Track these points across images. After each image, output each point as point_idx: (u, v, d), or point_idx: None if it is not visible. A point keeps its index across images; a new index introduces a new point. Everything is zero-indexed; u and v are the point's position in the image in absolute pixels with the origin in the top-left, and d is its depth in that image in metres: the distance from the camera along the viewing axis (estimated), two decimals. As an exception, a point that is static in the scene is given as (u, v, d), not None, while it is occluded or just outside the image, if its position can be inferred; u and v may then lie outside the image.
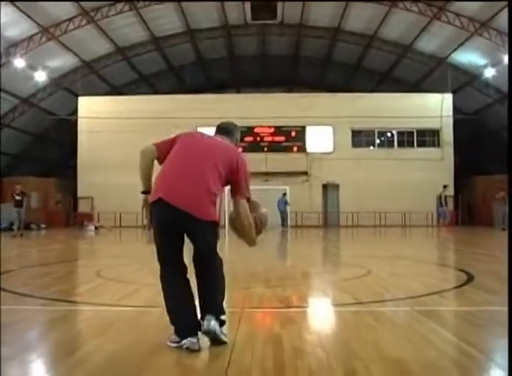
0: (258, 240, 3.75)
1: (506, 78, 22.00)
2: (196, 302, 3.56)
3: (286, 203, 26.25)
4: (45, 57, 26.37)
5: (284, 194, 26.47)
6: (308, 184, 29.08)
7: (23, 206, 18.87)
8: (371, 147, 30.20)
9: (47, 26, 24.41)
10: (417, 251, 13.20)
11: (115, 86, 33.27)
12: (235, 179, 3.60)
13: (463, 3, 23.13)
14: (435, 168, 28.43)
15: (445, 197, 20.75)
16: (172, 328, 3.48)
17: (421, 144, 29.90)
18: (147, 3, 24.97)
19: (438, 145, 29.72)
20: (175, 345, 3.42)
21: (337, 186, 29.35)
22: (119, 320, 4.43)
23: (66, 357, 3.27)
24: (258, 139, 29.13)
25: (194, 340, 3.35)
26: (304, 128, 29.44)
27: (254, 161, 23.51)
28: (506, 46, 22.28)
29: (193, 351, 3.32)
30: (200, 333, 3.41)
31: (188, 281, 3.54)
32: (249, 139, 28.02)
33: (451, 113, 29.52)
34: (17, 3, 21.58)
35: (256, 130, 28.97)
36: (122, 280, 6.95)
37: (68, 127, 30.38)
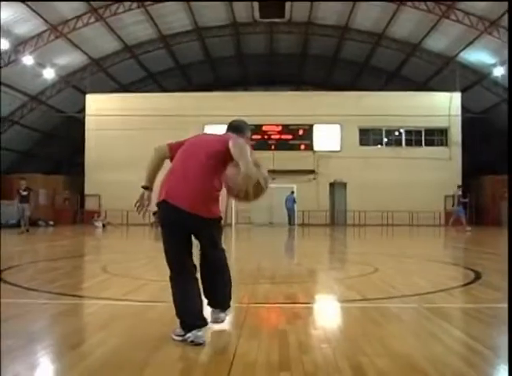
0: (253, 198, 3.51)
1: (514, 77, 21.85)
2: (203, 297, 3.58)
3: (294, 200, 26.24)
4: (54, 55, 26.45)
5: (292, 192, 26.44)
6: (316, 182, 28.99)
7: (29, 202, 18.23)
8: (379, 146, 30.03)
9: (55, 23, 24.45)
10: (424, 249, 13.13)
11: (123, 84, 33.33)
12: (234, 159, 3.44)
13: (472, 2, 22.98)
14: (443, 168, 28.26)
15: (458, 196, 20.70)
16: (178, 321, 3.49)
17: (429, 143, 29.73)
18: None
19: (446, 144, 29.54)
20: (180, 338, 3.42)
21: (344, 185, 29.24)
22: (124, 315, 4.43)
23: (70, 350, 3.27)
24: (266, 137, 29.06)
25: (199, 333, 3.37)
26: (311, 126, 29.33)
27: (262, 159, 23.33)
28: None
29: (198, 344, 3.32)
30: (204, 328, 3.42)
31: (196, 280, 3.56)
32: (256, 137, 27.99)
33: (459, 112, 29.32)
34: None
35: (264, 128, 28.90)
36: (128, 275, 6.96)
37: (76, 124, 30.49)
